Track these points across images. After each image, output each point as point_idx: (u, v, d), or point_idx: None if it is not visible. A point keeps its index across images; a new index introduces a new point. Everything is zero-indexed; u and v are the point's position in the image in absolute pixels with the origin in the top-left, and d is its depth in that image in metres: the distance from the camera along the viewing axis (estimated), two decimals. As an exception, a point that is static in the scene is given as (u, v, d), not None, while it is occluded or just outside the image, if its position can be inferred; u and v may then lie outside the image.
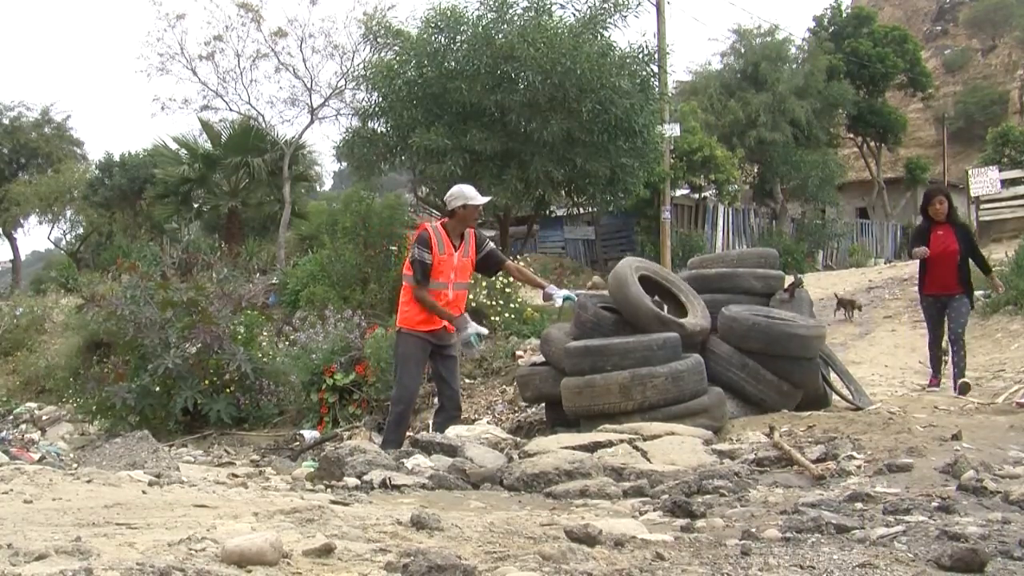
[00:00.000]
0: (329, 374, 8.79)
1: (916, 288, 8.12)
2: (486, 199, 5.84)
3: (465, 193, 5.71)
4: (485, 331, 5.76)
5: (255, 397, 9.28)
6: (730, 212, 23.36)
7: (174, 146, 22.95)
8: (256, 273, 16.01)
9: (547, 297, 5.79)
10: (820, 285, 14.56)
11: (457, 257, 5.68)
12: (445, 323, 5.65)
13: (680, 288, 6.57)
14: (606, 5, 12.55)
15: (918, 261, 7.67)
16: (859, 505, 3.00)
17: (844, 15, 30.16)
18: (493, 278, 10.02)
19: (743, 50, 25.90)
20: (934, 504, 2.93)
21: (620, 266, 6.40)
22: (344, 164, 18.40)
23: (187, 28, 26.32)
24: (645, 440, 4.76)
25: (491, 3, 12.31)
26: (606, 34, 12.60)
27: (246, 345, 9.43)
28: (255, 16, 20.20)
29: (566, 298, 5.81)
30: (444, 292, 5.64)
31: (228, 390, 9.17)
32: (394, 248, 11.41)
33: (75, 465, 5.84)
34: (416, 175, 13.18)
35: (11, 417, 11.87)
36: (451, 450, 4.84)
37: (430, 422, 6.36)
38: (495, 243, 6.50)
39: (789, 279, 7.04)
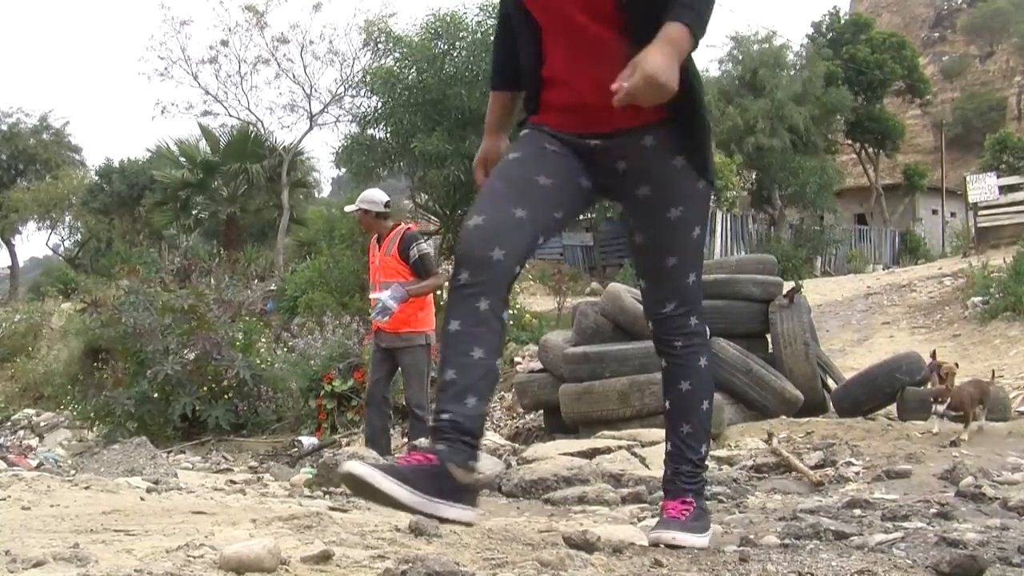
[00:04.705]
0: (327, 380, 8.79)
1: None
2: (352, 207, 6.01)
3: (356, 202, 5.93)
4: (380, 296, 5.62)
5: (253, 403, 9.27)
6: (728, 218, 23.37)
7: (176, 149, 22.96)
8: (254, 280, 16.00)
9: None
10: (819, 291, 14.55)
11: (379, 258, 5.72)
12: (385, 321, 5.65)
13: None
14: (604, 11, 12.58)
15: None
16: (857, 511, 3.00)
17: (842, 22, 30.23)
18: None
19: (741, 57, 25.95)
20: (933, 510, 2.93)
21: (611, 286, 6.68)
22: (342, 170, 18.41)
23: (191, 33, 26.26)
24: (643, 446, 4.76)
25: (490, 9, 12.34)
26: (605, 40, 12.63)
27: (245, 352, 9.43)
28: (259, 21, 20.27)
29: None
30: (374, 294, 5.66)
31: (226, 396, 9.16)
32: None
33: (73, 472, 5.82)
34: (415, 181, 13.17)
35: (9, 423, 11.86)
36: (450, 456, 4.83)
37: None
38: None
39: (788, 285, 7.04)
